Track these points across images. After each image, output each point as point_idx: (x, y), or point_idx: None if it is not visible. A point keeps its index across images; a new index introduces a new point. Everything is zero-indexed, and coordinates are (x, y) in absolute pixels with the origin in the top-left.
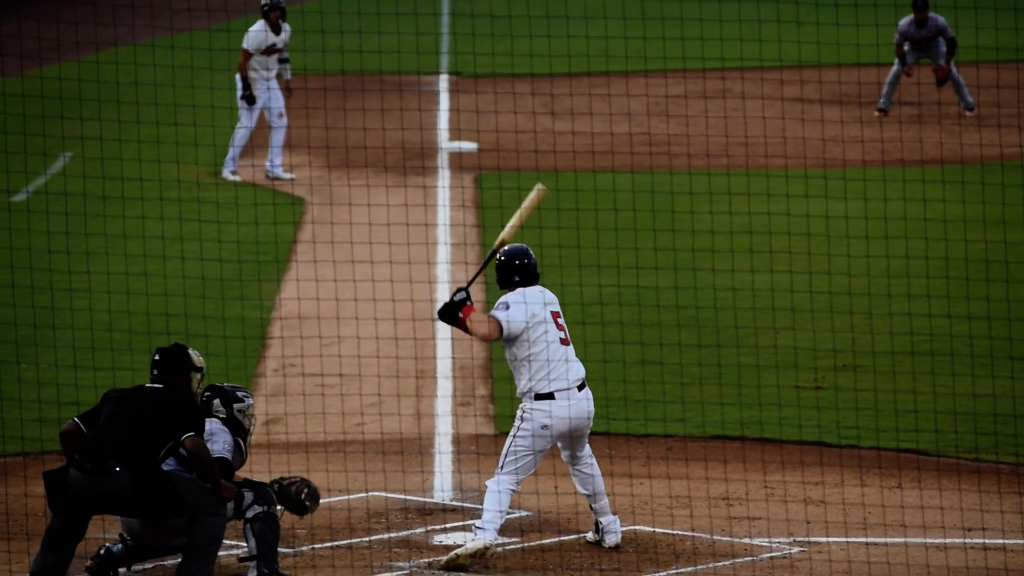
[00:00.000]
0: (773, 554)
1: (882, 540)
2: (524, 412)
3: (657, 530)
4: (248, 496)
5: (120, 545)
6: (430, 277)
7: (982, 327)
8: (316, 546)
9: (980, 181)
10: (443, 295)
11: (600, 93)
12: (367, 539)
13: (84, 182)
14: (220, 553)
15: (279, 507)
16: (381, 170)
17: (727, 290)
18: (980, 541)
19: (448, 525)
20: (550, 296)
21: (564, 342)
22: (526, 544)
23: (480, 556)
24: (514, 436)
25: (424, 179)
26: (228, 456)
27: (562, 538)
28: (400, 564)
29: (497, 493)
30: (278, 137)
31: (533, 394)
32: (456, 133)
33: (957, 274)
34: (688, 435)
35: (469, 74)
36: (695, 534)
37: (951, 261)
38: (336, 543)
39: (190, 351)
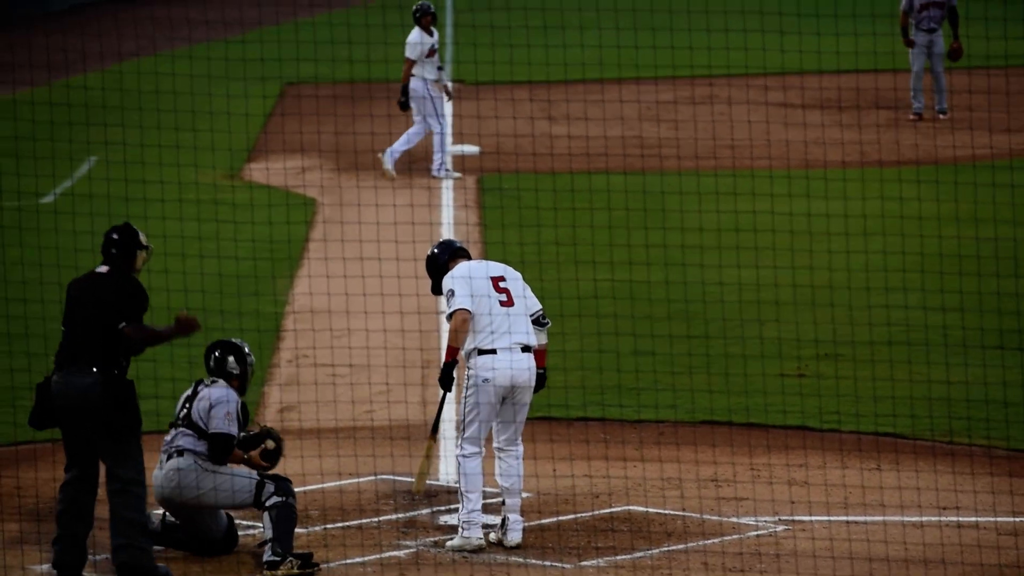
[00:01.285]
0: (759, 532)
1: (862, 518)
2: (468, 371)
3: (650, 510)
4: (269, 487)
5: (157, 522)
6: None
7: (955, 318)
8: (328, 526)
9: (953, 181)
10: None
11: (595, 99)
12: (376, 519)
13: (108, 185)
14: (240, 534)
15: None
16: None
17: (715, 284)
18: (954, 519)
19: (452, 506)
20: (490, 265)
21: (504, 304)
22: (526, 524)
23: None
24: (464, 397)
25: (428, 180)
26: (229, 431)
27: (560, 518)
28: (407, 543)
29: (465, 469)
30: (442, 140)
31: (476, 351)
32: (459, 137)
33: (932, 268)
34: (679, 420)
35: (471, 82)
36: (686, 513)
37: (926, 256)
38: (347, 523)
39: (137, 230)
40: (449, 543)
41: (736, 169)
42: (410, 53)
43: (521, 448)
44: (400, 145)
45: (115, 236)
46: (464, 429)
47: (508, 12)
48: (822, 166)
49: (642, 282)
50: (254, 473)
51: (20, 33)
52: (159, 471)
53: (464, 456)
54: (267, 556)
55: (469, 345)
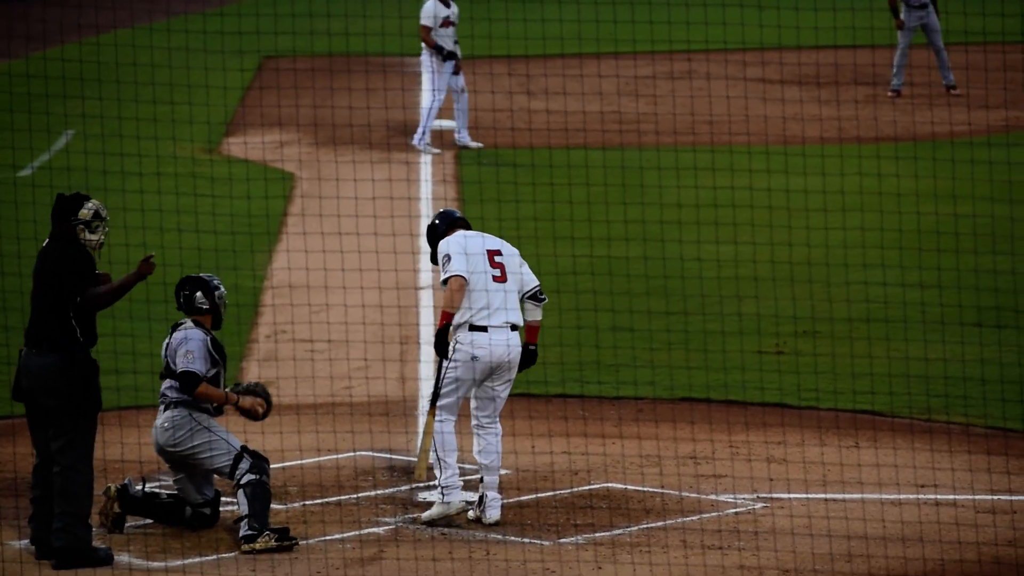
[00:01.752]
0: (738, 510)
1: (840, 496)
2: (457, 344)
3: (628, 487)
4: (244, 464)
5: (139, 488)
6: (413, 248)
7: (933, 295)
8: (307, 502)
9: (931, 157)
10: (425, 264)
11: (573, 74)
12: (355, 496)
13: (86, 158)
14: (221, 509)
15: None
16: (367, 147)
17: (693, 260)
18: (932, 497)
19: (432, 483)
20: (488, 238)
21: (498, 279)
22: (504, 500)
23: (456, 515)
24: (448, 368)
25: (407, 155)
26: (189, 368)
27: (539, 495)
28: (386, 520)
29: (441, 434)
30: (462, 108)
31: (468, 326)
32: (443, 112)
33: (910, 245)
34: (657, 397)
35: None
36: (664, 491)
37: (904, 233)
38: (326, 500)
39: (90, 202)
40: (427, 514)
41: (714, 145)
42: (423, 20)
43: (499, 426)
44: (424, 124)
45: (53, 204)
46: (441, 398)
47: None
48: (800, 142)
49: (620, 258)
50: (237, 444)
51: None
52: (157, 421)
53: (440, 422)
54: (243, 531)
55: (460, 318)
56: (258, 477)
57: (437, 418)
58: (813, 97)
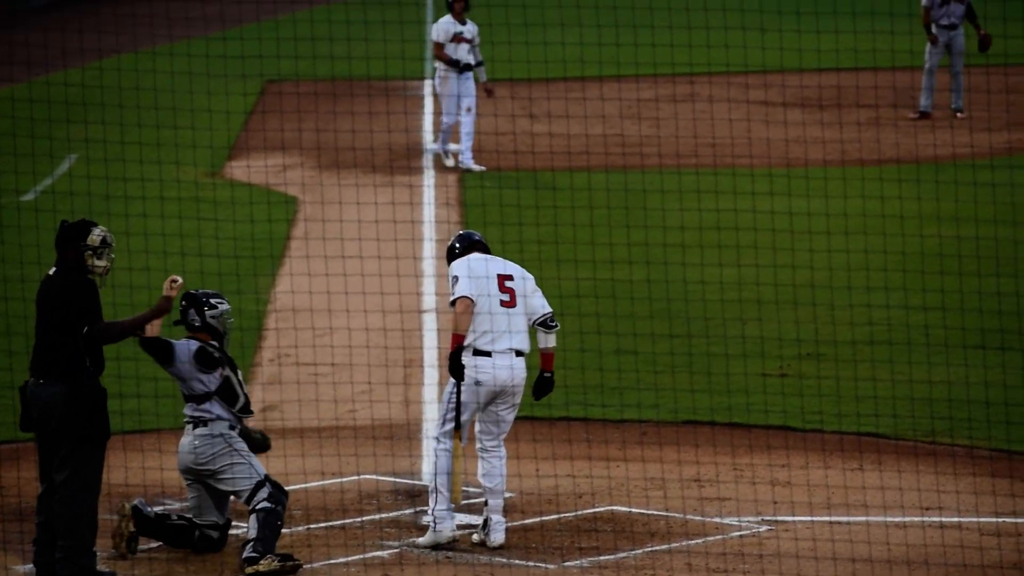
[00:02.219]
0: (742, 532)
1: (845, 519)
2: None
3: (633, 510)
4: (264, 492)
5: (151, 509)
6: (416, 271)
7: (937, 317)
8: (311, 526)
9: (934, 179)
10: (429, 288)
11: (576, 97)
12: (359, 519)
13: (89, 182)
14: (231, 532)
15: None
16: (369, 170)
17: (697, 283)
18: (937, 519)
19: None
20: (500, 262)
21: (506, 304)
22: (509, 524)
23: (446, 545)
24: (451, 392)
25: (410, 178)
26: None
27: (543, 518)
28: (390, 543)
29: (438, 457)
30: (467, 129)
31: (472, 350)
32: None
33: (913, 267)
34: (661, 420)
35: None
36: (669, 514)
37: (907, 255)
38: (330, 523)
39: (95, 229)
40: (420, 541)
41: (717, 167)
42: (435, 35)
43: (504, 450)
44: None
45: (58, 231)
46: (444, 423)
47: (489, 9)
48: (803, 164)
49: (624, 281)
50: (261, 472)
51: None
52: (184, 439)
53: (444, 449)
54: (247, 553)
55: (464, 341)
56: (274, 506)
57: (439, 445)
58: (816, 119)
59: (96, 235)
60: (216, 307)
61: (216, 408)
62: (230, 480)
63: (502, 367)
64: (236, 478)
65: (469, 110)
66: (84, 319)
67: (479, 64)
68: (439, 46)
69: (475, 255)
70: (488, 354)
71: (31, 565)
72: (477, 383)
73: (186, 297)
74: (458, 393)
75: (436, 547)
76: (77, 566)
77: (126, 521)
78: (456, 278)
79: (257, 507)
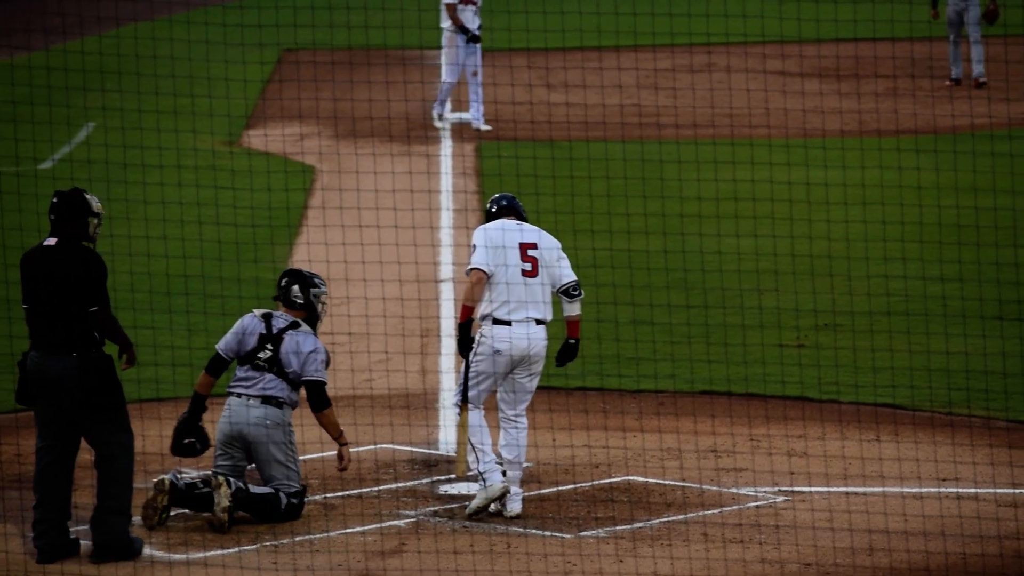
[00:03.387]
0: (759, 503)
1: (861, 489)
2: (482, 336)
3: (649, 480)
4: (295, 500)
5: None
6: (433, 241)
7: (954, 288)
8: (328, 495)
9: (952, 150)
10: (446, 258)
11: (592, 67)
12: (376, 489)
13: (106, 150)
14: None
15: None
16: (386, 139)
17: (713, 254)
18: (954, 490)
19: (452, 476)
20: (529, 230)
21: (527, 273)
22: (525, 494)
23: (499, 499)
24: (472, 361)
25: (427, 148)
26: (326, 378)
27: (560, 488)
28: (407, 512)
29: (471, 425)
30: (475, 92)
31: (491, 319)
32: (457, 104)
33: (931, 238)
34: (678, 391)
35: None
36: (685, 484)
37: (925, 226)
38: (347, 493)
39: (88, 196)
40: (472, 505)
41: (734, 138)
42: None
43: (525, 420)
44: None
45: (58, 202)
46: (466, 391)
47: None
48: (820, 135)
49: (640, 251)
50: (299, 482)
51: None
52: (244, 408)
53: (471, 409)
54: (232, 483)
55: (483, 310)
56: (299, 501)
57: (463, 407)
58: (833, 90)
59: (96, 203)
60: (320, 287)
61: (293, 395)
62: (276, 471)
63: (520, 335)
64: (282, 472)
65: (475, 74)
66: (97, 293)
67: (479, 23)
68: (452, 7)
69: (499, 222)
70: (507, 323)
71: (29, 537)
72: (496, 352)
73: (290, 273)
74: (467, 368)
75: (489, 504)
76: (113, 529)
77: (162, 496)
78: (474, 247)
79: (283, 492)
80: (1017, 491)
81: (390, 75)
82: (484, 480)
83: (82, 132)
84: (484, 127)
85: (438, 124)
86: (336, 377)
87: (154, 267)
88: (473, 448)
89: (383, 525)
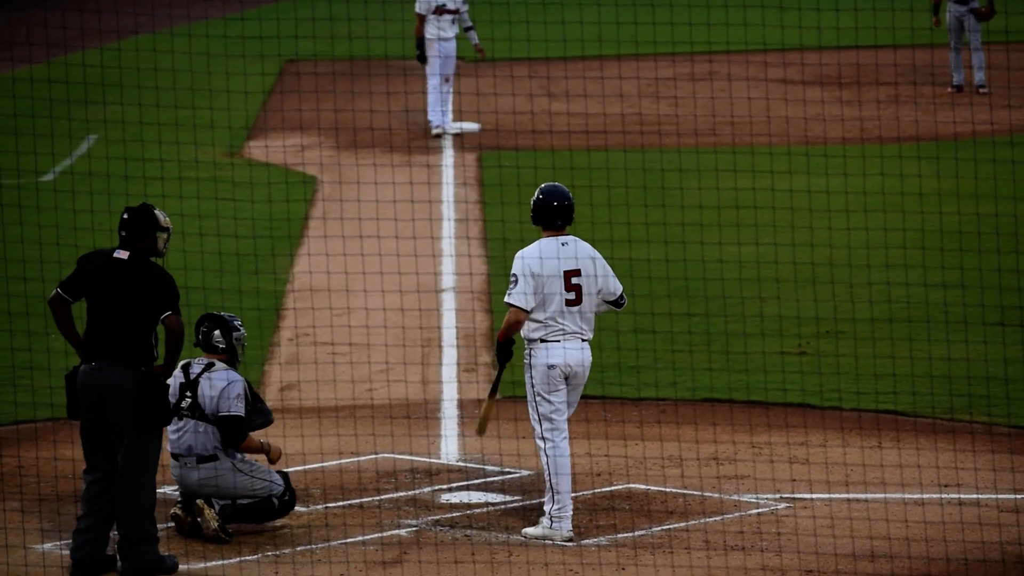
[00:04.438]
0: (760, 510)
1: (863, 496)
2: (533, 357)
3: (651, 488)
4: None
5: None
6: (434, 251)
7: (956, 295)
8: (329, 505)
9: (954, 157)
10: (447, 268)
11: (594, 76)
12: (377, 498)
13: (108, 163)
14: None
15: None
16: (387, 150)
17: (715, 262)
18: (955, 496)
19: (453, 485)
20: (569, 252)
21: (572, 303)
22: (527, 502)
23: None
24: (530, 387)
25: (428, 158)
26: (241, 412)
27: None
28: (409, 522)
29: (554, 457)
30: (445, 97)
31: (539, 340)
32: (458, 114)
33: (932, 245)
34: (679, 399)
35: (470, 59)
36: (687, 491)
37: (927, 233)
38: (348, 502)
39: (156, 211)
40: (531, 530)
41: (736, 146)
42: (417, 7)
43: (566, 433)
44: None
45: (129, 218)
46: (541, 421)
47: None
48: (822, 143)
49: (642, 260)
50: (279, 482)
51: (19, 10)
52: (187, 470)
53: (552, 447)
54: (216, 504)
55: (531, 334)
56: (277, 503)
57: (547, 440)
58: (835, 98)
59: (164, 218)
60: (240, 329)
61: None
62: (251, 492)
63: (572, 349)
64: (256, 489)
65: (448, 80)
66: (171, 303)
67: (469, 28)
68: (420, 18)
69: (538, 247)
70: (556, 341)
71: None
72: (551, 367)
73: (209, 318)
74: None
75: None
76: (142, 555)
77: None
78: (514, 278)
79: (269, 493)
80: (1019, 497)
81: (391, 86)
82: (550, 522)
83: (84, 144)
84: (451, 129)
85: (437, 132)
86: (337, 388)
87: None
88: (550, 486)
89: (384, 534)
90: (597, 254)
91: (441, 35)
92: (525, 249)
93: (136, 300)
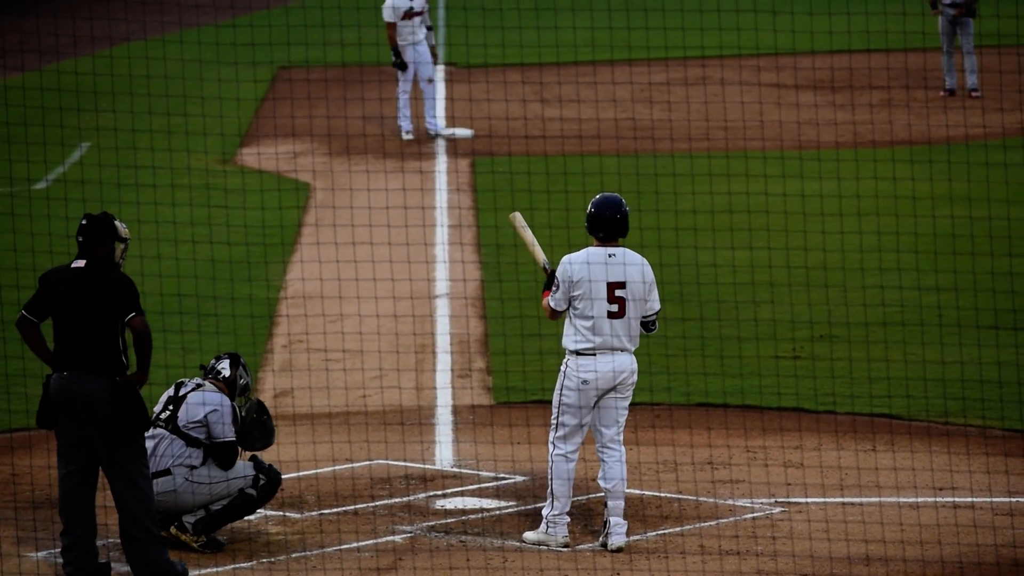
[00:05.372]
0: (755, 514)
1: (858, 500)
2: (567, 367)
3: (646, 493)
4: (255, 482)
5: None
6: (428, 257)
7: (950, 298)
8: (323, 511)
9: (947, 160)
10: (441, 274)
11: (587, 81)
12: (371, 505)
13: (100, 171)
14: (251, 518)
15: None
16: (381, 156)
17: (709, 266)
18: (950, 499)
19: (448, 491)
20: (617, 262)
21: (614, 315)
22: (521, 508)
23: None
24: (558, 393)
25: (421, 164)
26: (234, 438)
27: None
28: (403, 528)
29: (555, 463)
30: (430, 96)
31: (575, 352)
32: (451, 120)
33: (926, 248)
34: (674, 403)
35: (463, 64)
36: (681, 496)
37: (920, 236)
38: (343, 508)
39: (117, 221)
40: (528, 535)
41: (729, 150)
42: (386, 16)
43: (623, 450)
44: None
45: (88, 224)
46: (557, 428)
47: None
48: (815, 147)
49: None
50: (245, 473)
51: (11, 17)
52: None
53: (559, 454)
54: (186, 518)
55: (569, 344)
56: (254, 494)
57: (555, 450)
58: (828, 102)
59: (123, 228)
60: (246, 375)
61: (192, 456)
62: (217, 498)
63: (605, 364)
64: (220, 494)
65: (430, 81)
66: (128, 314)
67: (429, 28)
68: (391, 26)
69: (585, 254)
70: (592, 354)
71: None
72: (584, 382)
73: (228, 354)
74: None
75: (542, 545)
76: (152, 559)
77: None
78: (557, 285)
79: (241, 488)
80: (1013, 500)
81: (384, 92)
82: (547, 527)
83: (76, 152)
84: (444, 131)
85: (408, 136)
86: (330, 394)
87: (148, 287)
88: (550, 491)
89: (379, 541)
90: (646, 267)
91: (413, 39)
92: (573, 254)
93: (100, 307)
